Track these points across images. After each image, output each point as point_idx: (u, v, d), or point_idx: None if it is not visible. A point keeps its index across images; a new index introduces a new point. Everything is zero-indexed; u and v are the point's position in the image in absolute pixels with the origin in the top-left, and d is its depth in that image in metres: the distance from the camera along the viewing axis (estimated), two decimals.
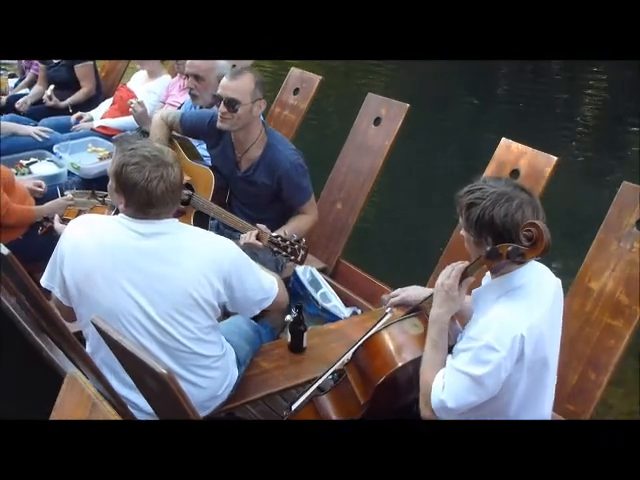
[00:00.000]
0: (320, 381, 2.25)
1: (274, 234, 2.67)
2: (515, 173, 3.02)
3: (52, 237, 2.76)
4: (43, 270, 2.24)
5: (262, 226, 2.71)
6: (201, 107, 3.53)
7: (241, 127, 2.99)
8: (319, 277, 3.46)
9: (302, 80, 4.15)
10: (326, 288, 3.43)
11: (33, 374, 2.41)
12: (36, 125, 4.58)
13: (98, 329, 1.83)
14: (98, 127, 4.58)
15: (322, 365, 2.33)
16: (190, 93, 3.55)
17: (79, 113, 4.79)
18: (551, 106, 8.71)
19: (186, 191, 3.07)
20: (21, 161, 4.04)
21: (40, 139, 4.37)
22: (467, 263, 1.95)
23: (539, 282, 1.93)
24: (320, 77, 4.09)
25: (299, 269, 3.39)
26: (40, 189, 3.52)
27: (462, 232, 1.97)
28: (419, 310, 2.14)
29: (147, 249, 2.11)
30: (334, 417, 2.13)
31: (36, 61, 5.30)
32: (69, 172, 4.01)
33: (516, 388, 1.89)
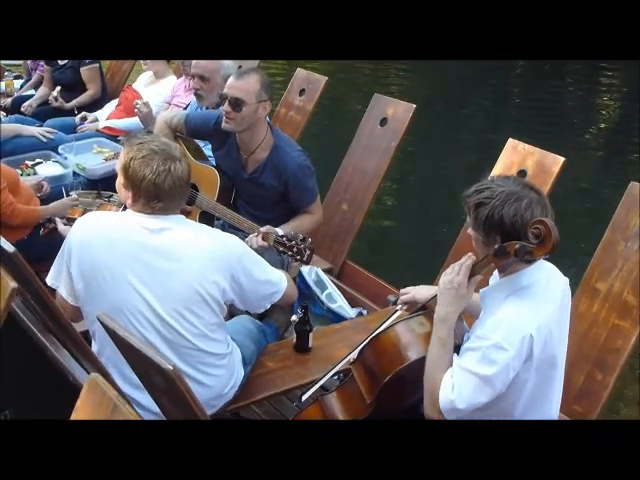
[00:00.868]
0: (334, 370, 2.23)
1: (280, 234, 2.66)
2: (522, 173, 3.00)
3: (57, 238, 2.76)
4: (48, 270, 2.25)
5: (266, 228, 2.69)
6: (207, 108, 3.53)
7: (245, 128, 2.98)
8: (324, 278, 3.46)
9: (308, 81, 4.14)
10: (332, 289, 3.42)
11: (37, 374, 2.41)
12: (41, 126, 4.58)
13: (104, 326, 1.83)
14: (104, 128, 4.61)
15: (328, 366, 2.32)
16: (195, 94, 3.56)
17: (83, 113, 4.81)
18: (564, 107, 8.71)
19: (191, 191, 3.07)
20: (26, 162, 4.03)
21: (45, 140, 4.36)
22: (473, 258, 1.93)
23: (547, 281, 1.92)
24: (326, 78, 4.09)
25: (304, 270, 3.38)
26: (42, 189, 3.51)
27: (470, 231, 1.96)
28: (426, 309, 2.13)
29: (154, 244, 2.11)
30: (340, 416, 2.12)
31: (42, 62, 5.32)
32: (74, 173, 4.00)
33: (524, 387, 1.88)
